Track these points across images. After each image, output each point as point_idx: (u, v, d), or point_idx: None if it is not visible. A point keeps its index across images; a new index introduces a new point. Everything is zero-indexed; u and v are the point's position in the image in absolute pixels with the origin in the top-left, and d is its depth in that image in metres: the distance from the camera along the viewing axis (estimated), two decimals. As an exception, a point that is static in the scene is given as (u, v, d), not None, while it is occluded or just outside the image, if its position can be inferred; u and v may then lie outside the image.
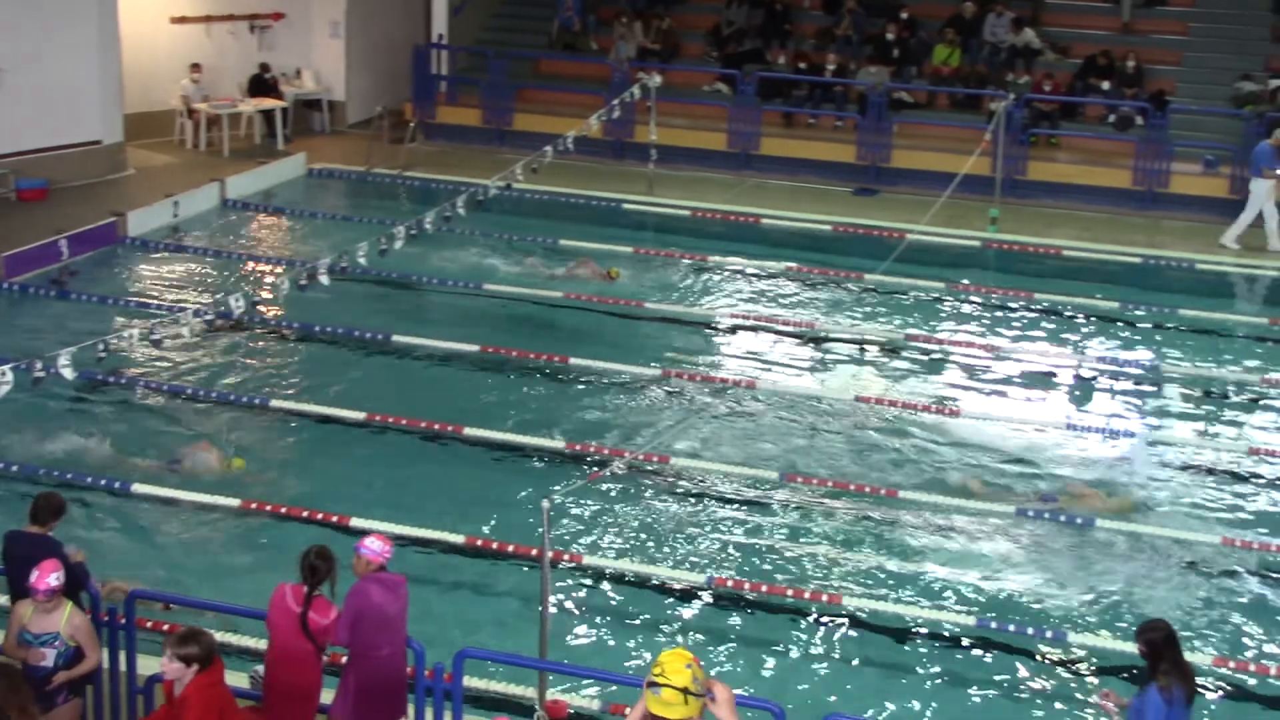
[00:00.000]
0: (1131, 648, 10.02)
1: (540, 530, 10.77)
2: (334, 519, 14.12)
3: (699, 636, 12.72)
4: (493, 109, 29.47)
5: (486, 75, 30.03)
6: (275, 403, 17.01)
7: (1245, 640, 13.04)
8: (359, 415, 16.62)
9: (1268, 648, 12.92)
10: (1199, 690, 10.30)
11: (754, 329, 20.23)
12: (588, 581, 13.63)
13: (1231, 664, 12.46)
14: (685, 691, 6.71)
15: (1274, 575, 14.10)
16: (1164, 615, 11.87)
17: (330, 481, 15.32)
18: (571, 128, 23.53)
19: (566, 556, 13.60)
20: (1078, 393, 18.58)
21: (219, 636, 11.83)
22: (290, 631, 9.81)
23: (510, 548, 13.84)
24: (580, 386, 18.07)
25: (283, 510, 14.34)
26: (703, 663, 6.77)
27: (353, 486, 15.19)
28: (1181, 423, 17.74)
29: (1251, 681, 12.35)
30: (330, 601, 9.93)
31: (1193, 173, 26.24)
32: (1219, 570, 14.14)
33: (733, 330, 20.27)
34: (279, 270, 20.94)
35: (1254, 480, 16.11)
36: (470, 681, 11.07)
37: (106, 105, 25.60)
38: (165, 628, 11.73)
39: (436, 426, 16.45)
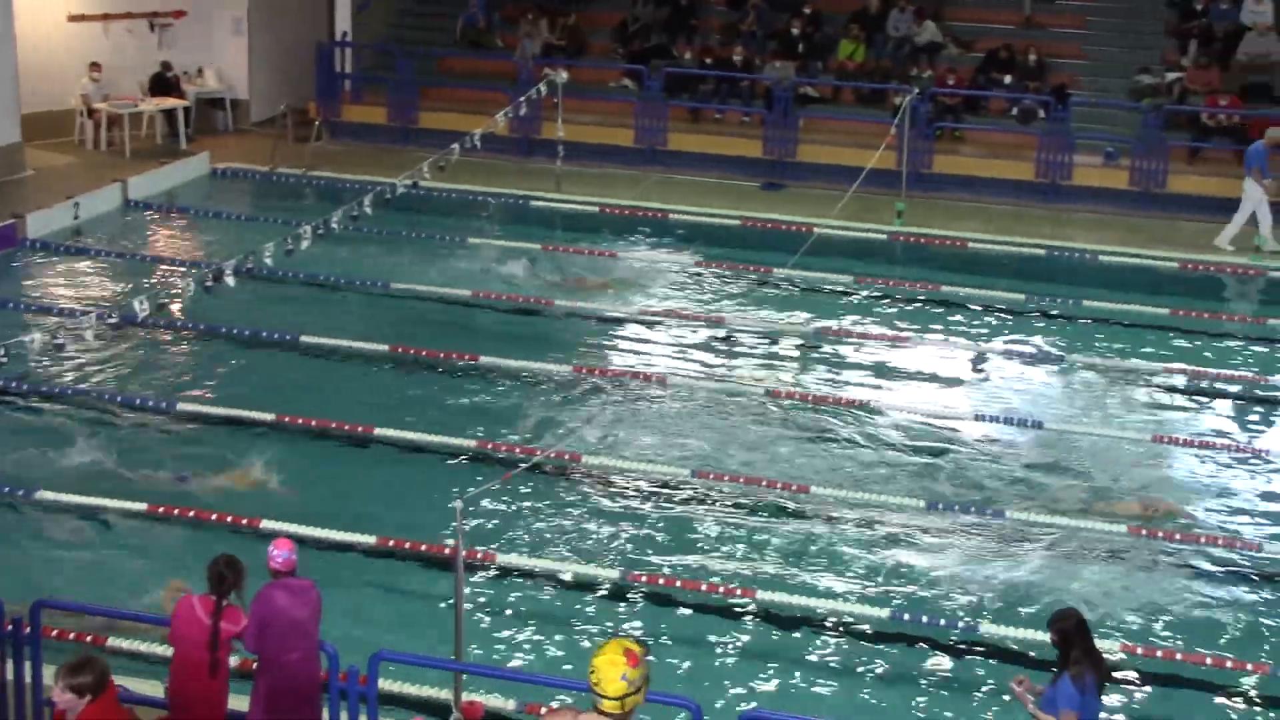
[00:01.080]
0: (1045, 637, 10.09)
1: (454, 530, 10.70)
2: (243, 522, 13.96)
3: (614, 633, 12.69)
4: (398, 107, 29.28)
5: (392, 73, 29.83)
6: (182, 405, 16.79)
7: (1155, 625, 13.22)
8: (268, 416, 16.44)
9: (1172, 631, 13.12)
10: (1112, 679, 10.41)
11: (664, 324, 20.21)
12: (502, 581, 13.57)
13: (1140, 649, 12.62)
14: (622, 698, 6.74)
15: (1187, 562, 14.29)
16: (1076, 604, 12.00)
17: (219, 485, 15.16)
18: (478, 125, 23.44)
19: (480, 556, 13.50)
20: (984, 382, 18.75)
21: (128, 644, 11.74)
22: (198, 644, 9.69)
23: (423, 548, 13.74)
24: (491, 385, 17.98)
25: (190, 514, 14.16)
26: (639, 655, 6.75)
27: (261, 489, 15.03)
28: (1087, 411, 17.92)
29: (1160, 666, 12.54)
30: (240, 609, 9.82)
31: (1094, 165, 26.56)
32: (1135, 558, 14.31)
33: (643, 326, 20.24)
34: (184, 271, 20.69)
35: (1160, 467, 16.32)
36: (385, 684, 10.96)
37: (3, 105, 25.18)
38: (71, 636, 11.56)
39: (346, 427, 16.30)
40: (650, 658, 6.87)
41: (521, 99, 25.02)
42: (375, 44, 31.07)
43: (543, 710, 11.06)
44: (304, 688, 9.92)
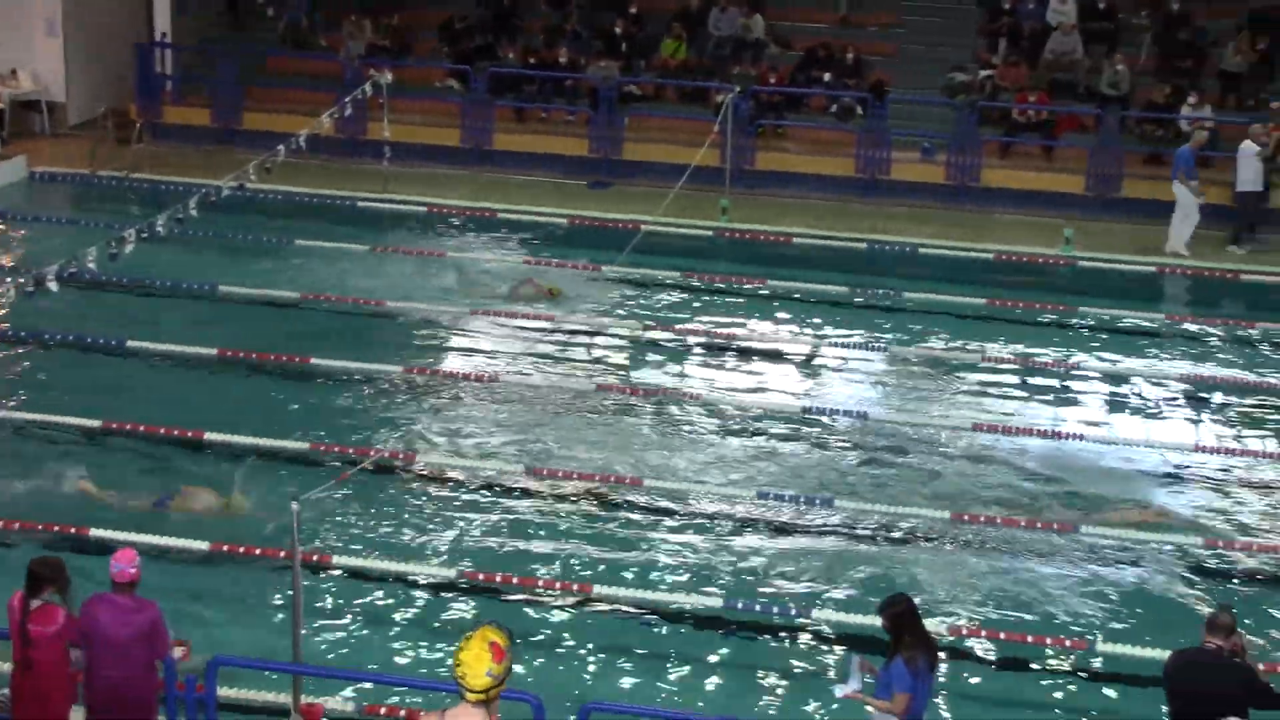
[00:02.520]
0: (878, 621, 10.28)
1: (284, 530, 10.60)
2: (71, 530, 13.67)
3: (451, 631, 12.65)
4: (221, 108, 28.79)
5: (214, 73, 29.32)
6: (3, 414, 16.38)
7: (984, 606, 13.54)
8: (94, 424, 16.10)
9: (1000, 611, 13.45)
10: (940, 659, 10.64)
11: (495, 322, 20.16)
12: (339, 582, 13.47)
13: (964, 630, 12.92)
14: (487, 691, 6.78)
15: (1013, 545, 14.64)
16: (906, 588, 12.24)
17: (66, 493, 14.80)
18: (304, 126, 23.14)
19: (316, 558, 13.37)
20: (814, 374, 19.02)
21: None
22: (13, 639, 9.62)
23: (258, 551, 13.57)
24: (323, 386, 17.81)
25: (15, 526, 13.81)
26: (504, 644, 6.78)
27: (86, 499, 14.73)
28: (912, 401, 18.26)
29: (986, 645, 12.84)
30: (60, 611, 9.66)
31: (912, 160, 27.01)
32: (957, 544, 14.62)
33: (474, 325, 20.17)
34: (4, 277, 20.12)
35: (982, 454, 16.68)
36: (224, 691, 10.79)
37: None
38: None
39: (176, 433, 16.02)
40: (517, 641, 6.88)
41: (347, 100, 24.75)
42: (196, 45, 30.49)
43: (403, 714, 11.03)
44: (124, 707, 9.74)
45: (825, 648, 12.80)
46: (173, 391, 17.59)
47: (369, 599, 13.29)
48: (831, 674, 12.21)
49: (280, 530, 13.28)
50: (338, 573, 13.54)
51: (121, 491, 14.82)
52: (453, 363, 18.90)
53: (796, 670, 12.61)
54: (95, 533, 13.59)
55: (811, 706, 11.95)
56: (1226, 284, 22.66)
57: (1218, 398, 18.66)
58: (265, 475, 15.22)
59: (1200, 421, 18.04)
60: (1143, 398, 18.70)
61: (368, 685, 11.54)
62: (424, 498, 15.20)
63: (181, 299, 20.59)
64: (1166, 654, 12.26)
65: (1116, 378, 19.14)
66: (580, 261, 22.30)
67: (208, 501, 14.67)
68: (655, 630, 13.11)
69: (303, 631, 10.99)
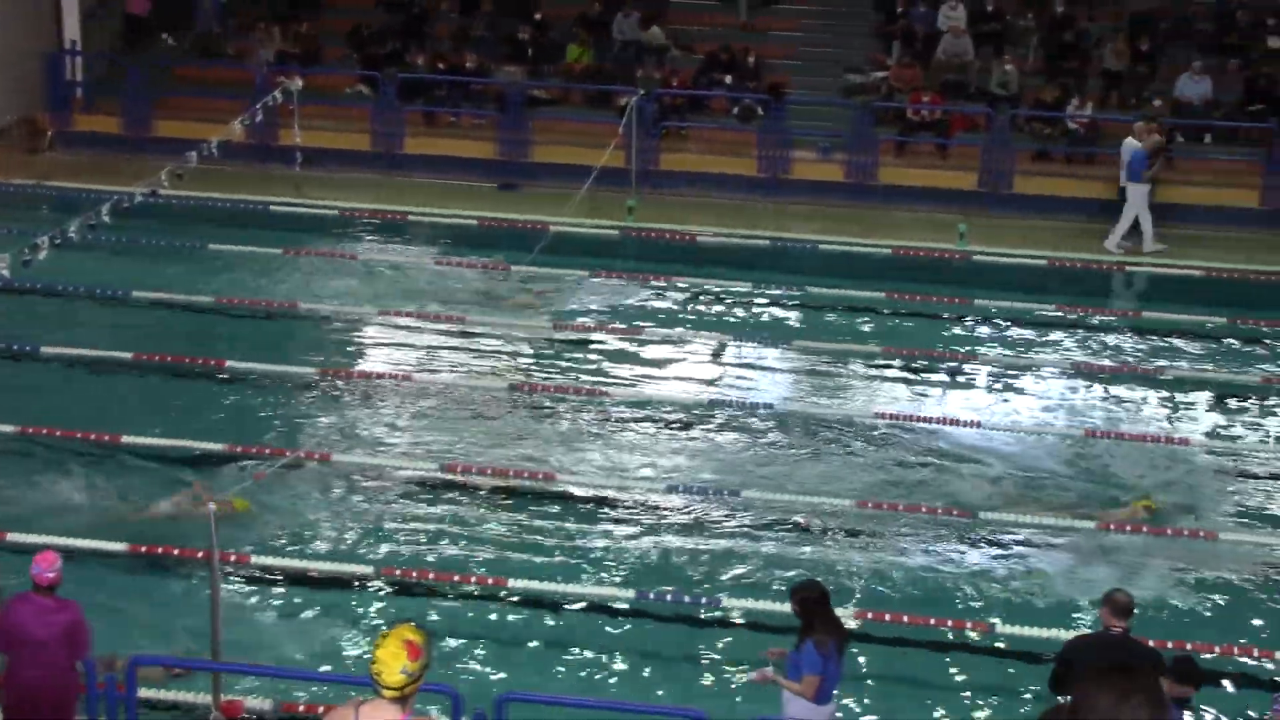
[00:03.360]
0: (787, 608, 10.34)
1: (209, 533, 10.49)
2: (-6, 537, 13.46)
3: (368, 627, 12.57)
4: (132, 116, 28.40)
5: (124, 82, 28.89)
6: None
7: (889, 590, 13.65)
8: (9, 429, 15.83)
9: (904, 594, 13.57)
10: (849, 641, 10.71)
11: (407, 324, 20.05)
12: (258, 580, 13.35)
13: (870, 614, 13.01)
14: (402, 688, 6.72)
15: (917, 531, 14.77)
16: (815, 574, 12.31)
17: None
18: (215, 133, 22.85)
19: (234, 556, 13.22)
20: (721, 368, 19.07)
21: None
22: None
23: (175, 551, 13.41)
24: (238, 389, 17.63)
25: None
26: (420, 641, 6.72)
27: (3, 504, 14.48)
28: (816, 392, 18.37)
29: (892, 630, 12.95)
30: None
31: (811, 159, 27.14)
32: (865, 529, 14.73)
33: (387, 326, 20.05)
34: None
35: (885, 443, 16.81)
36: (144, 692, 10.65)
37: None
38: None
39: (92, 436, 15.79)
40: (434, 638, 6.83)
41: (257, 106, 24.48)
42: (106, 53, 30.03)
43: (321, 710, 10.93)
44: (45, 708, 9.60)
45: (736, 635, 12.84)
46: (88, 395, 17.34)
47: (287, 597, 13.19)
48: (740, 659, 12.26)
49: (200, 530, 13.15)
50: (256, 572, 13.42)
51: (120, 501, 14.68)
52: (367, 363, 18.78)
53: (707, 658, 12.64)
54: (11, 537, 13.37)
55: (722, 693, 11.99)
56: (1114, 275, 22.95)
57: (1106, 385, 18.91)
58: (181, 476, 15.09)
59: (1091, 407, 18.27)
60: (1036, 386, 18.94)
61: (286, 681, 11.45)
62: (340, 496, 15.09)
63: (96, 304, 20.29)
64: (1062, 633, 12.59)
65: (1011, 367, 19.36)
66: (490, 261, 22.23)
67: (209, 506, 14.48)
68: (569, 622, 13.10)
69: (222, 630, 10.85)
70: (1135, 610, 10.00)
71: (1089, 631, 10.49)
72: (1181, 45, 28.30)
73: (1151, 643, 10.56)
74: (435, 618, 12.85)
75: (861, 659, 12.48)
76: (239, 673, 11.30)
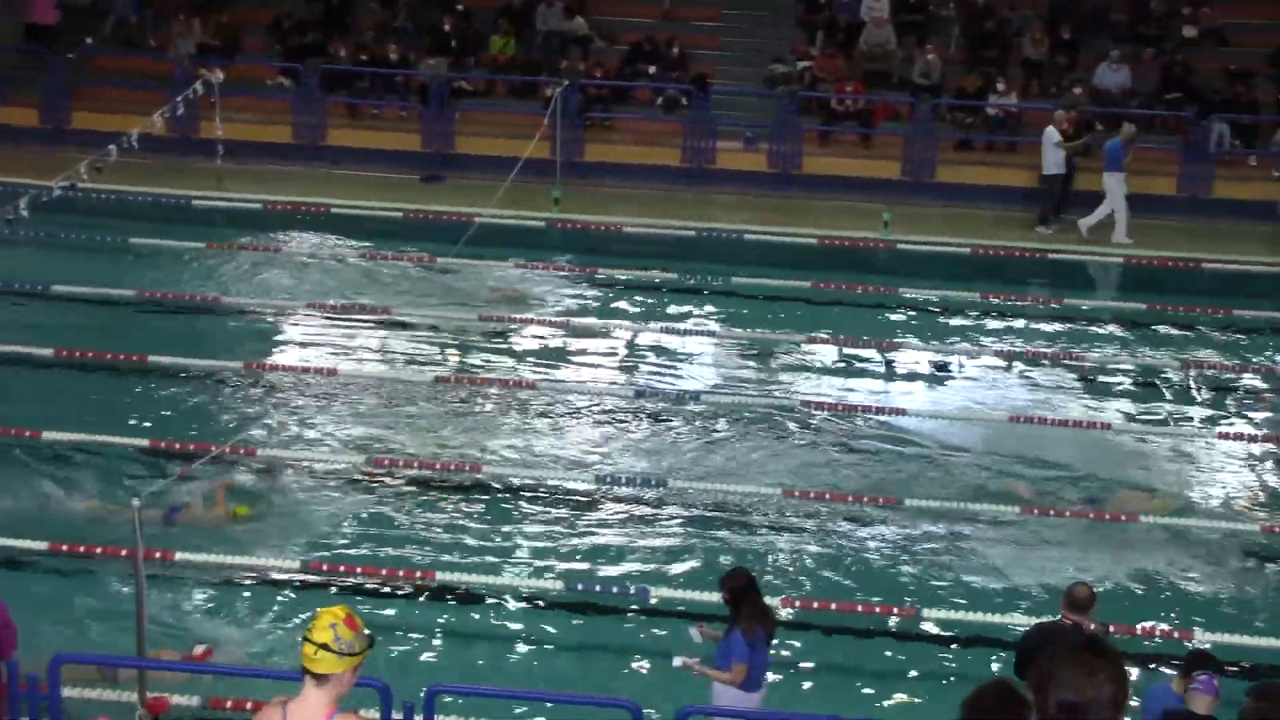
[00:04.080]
0: (715, 597, 10.38)
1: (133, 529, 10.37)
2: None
3: (297, 622, 12.49)
4: (49, 108, 28.02)
5: (41, 73, 28.48)
6: None
7: (814, 579, 13.72)
8: (-72, 427, 15.63)
9: (829, 582, 13.64)
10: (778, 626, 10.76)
11: (333, 318, 19.92)
12: (184, 577, 13.23)
13: (798, 602, 13.09)
14: (324, 647, 6.57)
15: (838, 520, 14.85)
16: (743, 564, 12.34)
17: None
18: (135, 125, 22.65)
19: (159, 554, 13.08)
20: (647, 357, 19.09)
21: None
22: None
23: (99, 550, 13.26)
24: (162, 383, 17.45)
25: None
26: (357, 622, 6.62)
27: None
28: (742, 381, 18.43)
29: (820, 617, 13.02)
30: None
31: (735, 149, 27.20)
32: (791, 518, 14.80)
33: (312, 320, 19.91)
34: None
35: (808, 430, 16.89)
36: (68, 692, 10.51)
37: None
38: None
39: (13, 433, 15.58)
40: (372, 637, 6.70)
41: (178, 98, 24.26)
42: (20, 43, 29.59)
43: (249, 705, 10.84)
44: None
45: (666, 625, 12.87)
46: (7, 392, 17.10)
47: (212, 593, 13.09)
48: (670, 649, 12.28)
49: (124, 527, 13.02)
50: (182, 568, 13.30)
51: (128, 506, 14.48)
52: (292, 357, 18.64)
53: (637, 647, 12.68)
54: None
55: (652, 682, 12.01)
56: (1035, 263, 23.16)
57: (1029, 370, 19.10)
58: (106, 473, 14.94)
59: (1015, 392, 18.44)
60: (961, 372, 19.11)
61: (209, 678, 11.38)
62: (266, 490, 14.99)
63: (14, 300, 19.99)
64: (985, 617, 12.76)
65: (935, 354, 19.52)
66: (415, 254, 22.13)
67: (214, 512, 14.34)
68: (498, 614, 13.08)
69: (147, 627, 10.75)
70: (1089, 603, 10.20)
71: (1046, 620, 10.66)
72: (1100, 35, 28.58)
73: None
74: (363, 612, 12.77)
75: (790, 646, 12.56)
76: (164, 670, 11.19)
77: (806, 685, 12.19)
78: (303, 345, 19.15)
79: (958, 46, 28.98)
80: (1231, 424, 17.66)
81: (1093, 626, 10.20)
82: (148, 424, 16.20)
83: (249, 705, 10.90)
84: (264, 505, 14.66)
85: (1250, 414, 18.15)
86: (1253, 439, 17.17)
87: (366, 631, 6.62)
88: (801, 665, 12.46)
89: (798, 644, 12.69)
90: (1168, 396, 18.53)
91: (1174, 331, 20.56)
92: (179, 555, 13.28)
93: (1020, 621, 12.92)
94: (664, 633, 12.76)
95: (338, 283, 21.25)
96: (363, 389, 17.57)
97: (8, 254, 21.04)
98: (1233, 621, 13.15)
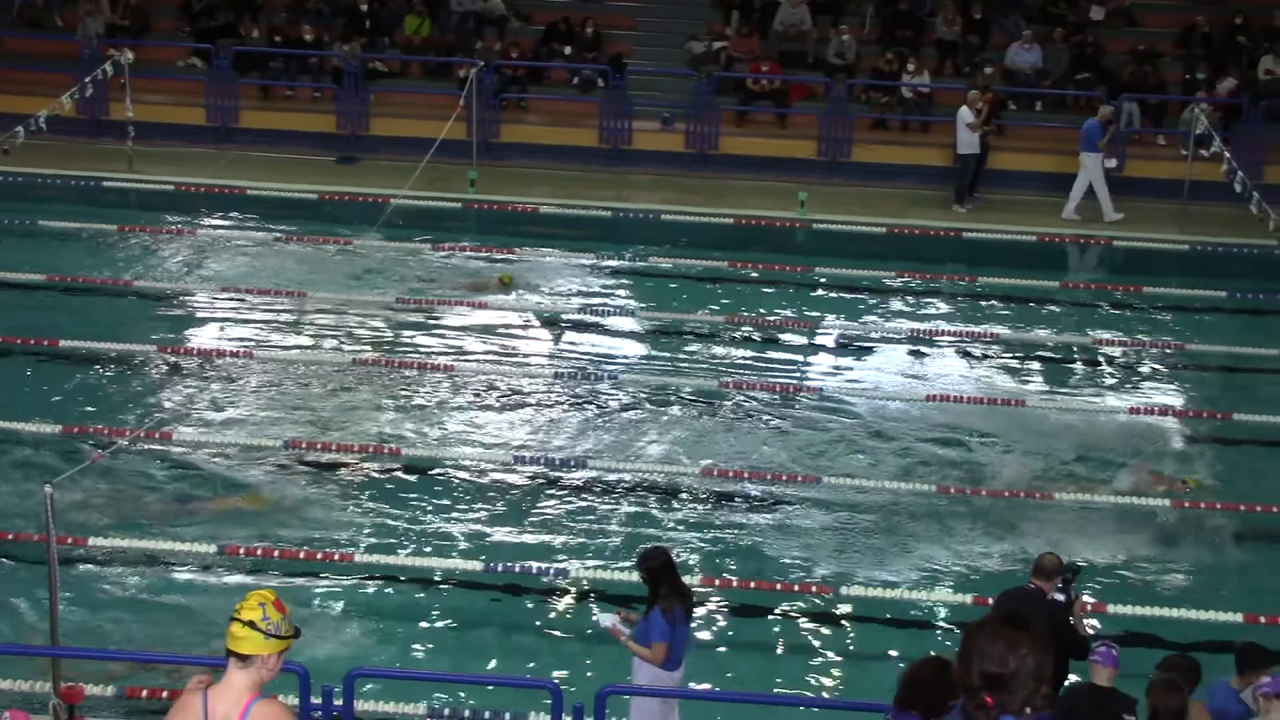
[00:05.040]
0: (633, 576, 10.40)
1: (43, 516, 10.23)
2: None
3: (215, 607, 12.37)
4: (-46, 90, 27.55)
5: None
6: None
7: (727, 559, 13.80)
8: None
9: (740, 562, 13.72)
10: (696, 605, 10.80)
11: (245, 299, 19.72)
12: (97, 564, 13.09)
13: (716, 581, 13.15)
14: (251, 625, 6.55)
15: (749, 498, 14.92)
16: (661, 544, 12.37)
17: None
18: (43, 107, 22.34)
19: (71, 540, 12.91)
20: (564, 339, 19.07)
21: None
22: None
23: (10, 536, 13.08)
24: (74, 368, 17.21)
25: None
26: (285, 608, 6.60)
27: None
28: (660, 364, 18.45)
29: (737, 595, 13.09)
30: None
31: (652, 130, 27.19)
32: (709, 498, 14.86)
33: (225, 303, 19.70)
34: None
35: (725, 409, 16.94)
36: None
37: None
38: None
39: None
40: (298, 630, 6.69)
41: (87, 79, 23.93)
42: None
43: (165, 694, 10.74)
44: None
45: (585, 605, 12.87)
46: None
47: (127, 579, 12.95)
48: (592, 628, 12.30)
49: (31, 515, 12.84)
50: (95, 554, 13.16)
51: (146, 497, 14.31)
52: (206, 340, 18.44)
53: (558, 626, 12.69)
54: None
55: (573, 660, 12.03)
56: (951, 241, 23.35)
57: (945, 348, 19.27)
58: (17, 460, 14.75)
59: (931, 369, 18.60)
60: (877, 350, 19.23)
61: (127, 663, 11.26)
62: (182, 475, 14.84)
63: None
64: (902, 594, 12.91)
65: (851, 332, 19.63)
66: (331, 236, 21.97)
67: (232, 499, 14.27)
68: (418, 596, 13.04)
69: (60, 614, 10.61)
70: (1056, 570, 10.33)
71: (1013, 586, 10.87)
72: (1012, 15, 28.81)
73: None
74: (284, 595, 12.66)
75: (709, 625, 12.62)
76: (77, 658, 11.05)
77: (725, 664, 12.24)
78: (216, 329, 18.94)
79: (872, 26, 29.09)
80: (1139, 397, 17.92)
81: (1061, 595, 10.40)
82: (59, 409, 15.97)
83: (165, 694, 10.80)
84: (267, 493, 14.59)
85: (1157, 387, 18.42)
86: (1160, 412, 17.41)
87: (287, 617, 6.60)
88: (719, 644, 12.51)
89: (717, 623, 12.75)
90: (1077, 371, 18.77)
91: (1084, 307, 20.80)
92: (93, 541, 13.15)
93: (936, 598, 13.11)
94: (583, 612, 12.76)
95: (251, 265, 21.03)
96: (278, 372, 17.42)
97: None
98: (1146, 594, 13.37)
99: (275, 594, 6.69)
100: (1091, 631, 11.72)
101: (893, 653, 12.54)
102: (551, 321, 19.64)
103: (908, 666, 7.74)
